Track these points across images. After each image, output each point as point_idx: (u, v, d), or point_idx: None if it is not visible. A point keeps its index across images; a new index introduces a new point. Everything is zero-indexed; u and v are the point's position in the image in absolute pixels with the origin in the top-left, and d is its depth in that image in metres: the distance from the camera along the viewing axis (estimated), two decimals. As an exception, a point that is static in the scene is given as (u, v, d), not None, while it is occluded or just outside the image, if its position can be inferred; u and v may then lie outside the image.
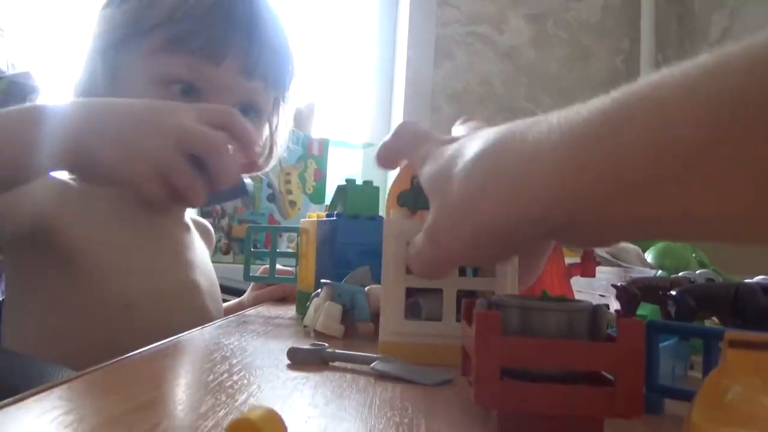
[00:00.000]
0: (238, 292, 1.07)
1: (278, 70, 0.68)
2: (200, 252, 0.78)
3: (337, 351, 0.39)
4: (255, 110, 0.68)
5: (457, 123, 0.39)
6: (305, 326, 0.53)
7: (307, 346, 0.39)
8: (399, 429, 0.26)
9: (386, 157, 0.40)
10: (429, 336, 0.40)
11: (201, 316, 0.69)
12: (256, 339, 0.48)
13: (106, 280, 0.62)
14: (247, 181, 0.55)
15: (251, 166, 0.63)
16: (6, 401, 0.26)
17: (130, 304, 0.62)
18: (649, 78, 0.23)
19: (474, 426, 0.27)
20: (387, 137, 0.39)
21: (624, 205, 0.24)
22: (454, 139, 0.33)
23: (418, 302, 0.43)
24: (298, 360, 0.39)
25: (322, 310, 0.51)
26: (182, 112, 0.47)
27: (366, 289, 0.52)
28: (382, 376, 0.35)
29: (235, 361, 0.38)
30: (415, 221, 0.42)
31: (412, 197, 0.42)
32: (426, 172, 0.32)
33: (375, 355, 0.37)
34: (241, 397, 0.30)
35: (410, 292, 0.43)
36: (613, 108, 0.23)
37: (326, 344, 0.39)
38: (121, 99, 0.51)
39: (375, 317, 0.51)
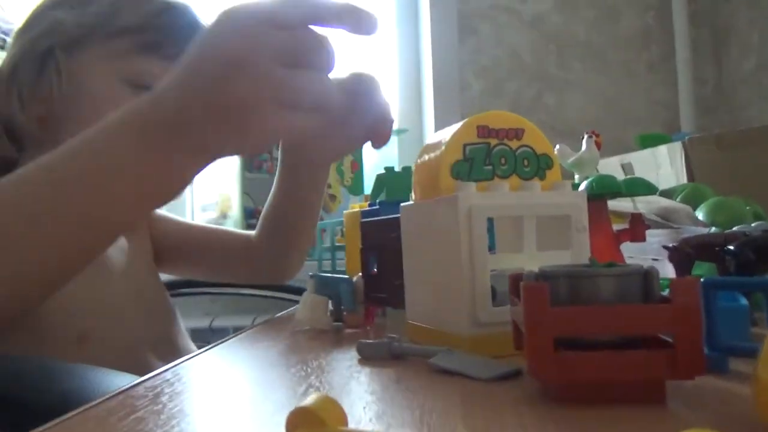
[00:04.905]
0: (288, 289, 1.09)
1: None
2: (141, 263, 0.71)
3: (404, 344, 0.37)
4: None
5: None
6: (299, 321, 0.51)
7: (374, 341, 0.38)
8: (458, 418, 0.26)
9: None
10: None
11: (159, 338, 0.66)
12: (304, 332, 0.49)
13: (57, 312, 0.54)
14: None
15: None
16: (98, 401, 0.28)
17: (82, 336, 0.57)
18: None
19: (534, 418, 0.27)
20: None
21: None
22: None
23: (491, 286, 0.37)
24: (368, 355, 0.37)
25: (307, 303, 0.50)
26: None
27: (355, 279, 0.51)
28: (442, 369, 0.33)
29: (291, 355, 0.39)
30: (487, 193, 0.38)
31: (467, 166, 0.39)
32: None
33: (441, 348, 0.35)
34: (300, 389, 0.30)
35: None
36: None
37: (396, 336, 0.38)
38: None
39: (361, 307, 0.50)
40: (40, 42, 0.59)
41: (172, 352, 0.66)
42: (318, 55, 0.37)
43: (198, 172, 0.41)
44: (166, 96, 0.39)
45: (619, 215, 0.67)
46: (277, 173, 0.70)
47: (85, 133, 0.40)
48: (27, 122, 0.57)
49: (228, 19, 0.38)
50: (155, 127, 0.38)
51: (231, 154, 0.41)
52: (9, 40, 0.88)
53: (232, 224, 1.51)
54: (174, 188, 0.42)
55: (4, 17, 0.93)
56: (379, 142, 0.48)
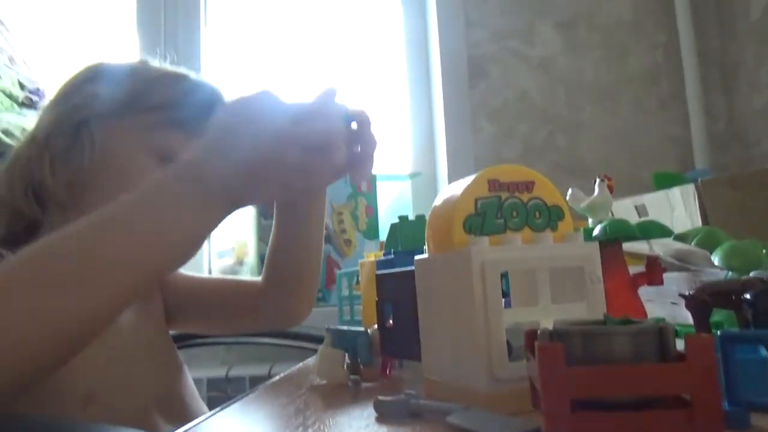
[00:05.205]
0: (304, 337, 1.09)
1: None
2: (151, 321, 0.72)
3: (421, 401, 0.37)
4: None
5: None
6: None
7: (392, 398, 0.37)
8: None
9: None
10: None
11: (167, 397, 0.66)
12: (321, 387, 0.49)
13: (63, 371, 0.53)
14: None
15: None
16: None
17: (87, 396, 0.57)
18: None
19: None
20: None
21: None
22: None
23: (507, 341, 0.37)
24: (385, 413, 0.37)
25: (324, 357, 0.50)
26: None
27: (370, 331, 0.51)
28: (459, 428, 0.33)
29: (308, 413, 0.39)
30: (500, 247, 0.38)
31: (479, 221, 0.40)
32: None
33: (459, 405, 0.35)
34: (318, 451, 0.30)
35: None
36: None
37: (413, 392, 0.37)
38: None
39: (378, 359, 0.50)
40: (74, 113, 0.62)
41: (179, 411, 0.66)
42: (327, 144, 0.47)
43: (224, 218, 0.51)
44: (207, 165, 0.47)
45: (635, 257, 0.67)
46: (275, 211, 0.71)
47: (133, 193, 0.46)
48: (55, 186, 0.59)
49: (260, 118, 0.47)
50: (204, 186, 0.47)
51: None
52: (35, 99, 0.92)
53: (248, 270, 1.52)
54: (206, 233, 0.50)
55: (30, 77, 0.97)
56: (360, 176, 0.57)
